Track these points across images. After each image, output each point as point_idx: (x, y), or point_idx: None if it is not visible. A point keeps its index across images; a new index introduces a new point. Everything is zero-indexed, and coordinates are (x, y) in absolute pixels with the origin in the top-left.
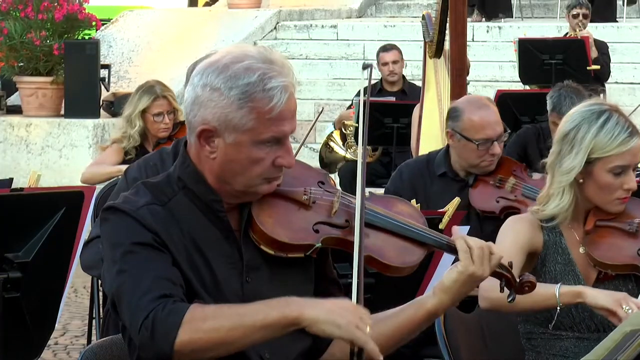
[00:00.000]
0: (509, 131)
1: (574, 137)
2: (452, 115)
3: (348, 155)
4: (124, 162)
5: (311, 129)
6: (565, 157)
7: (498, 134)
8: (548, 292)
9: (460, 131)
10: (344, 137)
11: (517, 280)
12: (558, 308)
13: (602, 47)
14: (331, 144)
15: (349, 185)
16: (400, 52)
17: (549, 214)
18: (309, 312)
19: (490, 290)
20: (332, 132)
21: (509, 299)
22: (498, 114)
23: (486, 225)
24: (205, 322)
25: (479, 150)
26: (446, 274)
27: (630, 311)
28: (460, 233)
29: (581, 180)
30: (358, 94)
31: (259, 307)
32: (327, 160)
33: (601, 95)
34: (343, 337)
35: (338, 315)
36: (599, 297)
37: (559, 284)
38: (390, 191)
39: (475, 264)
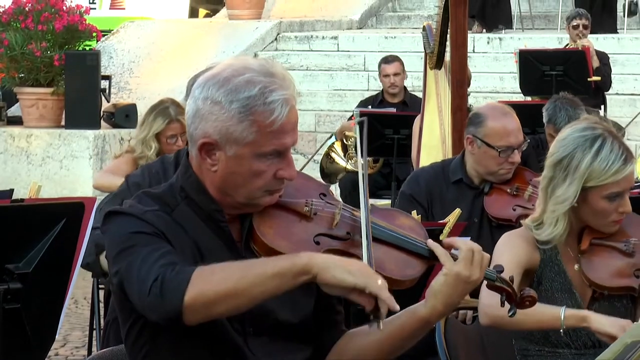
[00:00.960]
0: (528, 140)
1: (568, 166)
2: (475, 121)
3: (349, 166)
4: None
5: (317, 151)
6: (558, 186)
7: (519, 142)
8: (553, 314)
9: (482, 137)
10: (345, 148)
11: (518, 294)
12: (562, 331)
13: (602, 57)
14: (332, 154)
15: (349, 196)
16: (402, 64)
17: (542, 240)
18: (318, 259)
19: (492, 307)
20: (333, 143)
21: (510, 314)
22: (519, 123)
23: (497, 234)
24: (213, 274)
25: (500, 157)
26: (434, 278)
27: None
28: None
29: (575, 204)
30: (359, 105)
31: (267, 259)
32: (328, 171)
33: (601, 110)
34: (356, 284)
35: (348, 263)
36: (604, 323)
37: (563, 307)
38: (407, 194)
39: (461, 265)
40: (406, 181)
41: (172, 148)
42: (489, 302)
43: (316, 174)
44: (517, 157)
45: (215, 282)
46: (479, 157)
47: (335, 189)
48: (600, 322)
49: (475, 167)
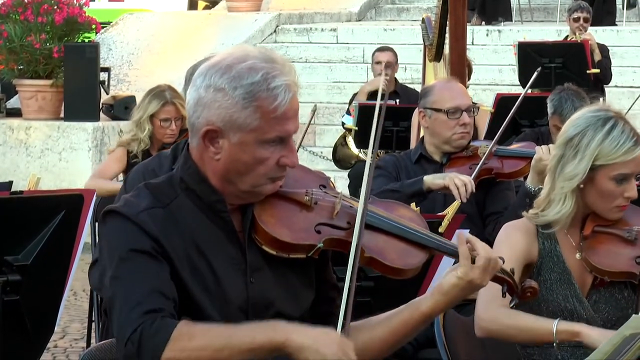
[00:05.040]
0: (478, 106)
1: (579, 143)
2: (422, 94)
3: (361, 155)
4: (128, 165)
5: (306, 130)
6: (568, 163)
7: (467, 105)
8: (545, 328)
9: (431, 105)
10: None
11: (519, 286)
12: (555, 344)
13: (603, 50)
14: (347, 139)
15: (359, 187)
16: (396, 55)
17: (550, 219)
18: (295, 338)
19: (486, 321)
20: (350, 130)
21: (511, 305)
22: (465, 89)
23: (475, 197)
24: (191, 341)
25: (449, 120)
26: (445, 277)
27: None
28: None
29: (582, 186)
30: (354, 97)
31: (247, 329)
32: (339, 155)
33: (601, 99)
34: None
35: (323, 344)
36: (596, 338)
37: (557, 320)
38: (381, 166)
39: (477, 272)
40: (380, 159)
41: (165, 132)
42: (485, 317)
43: (315, 167)
44: (467, 118)
45: (192, 349)
46: (432, 128)
47: (345, 180)
48: (592, 337)
49: (432, 141)
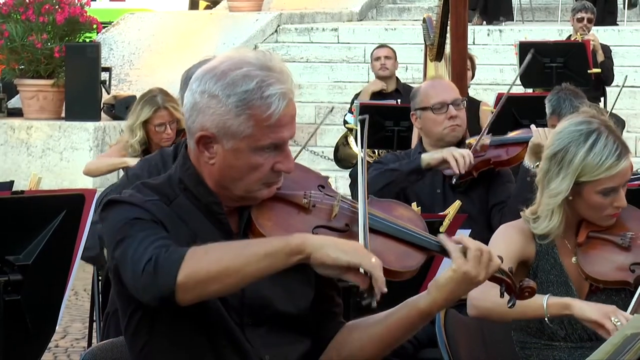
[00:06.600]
0: (465, 99)
1: (562, 159)
2: (411, 97)
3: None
4: None
5: (316, 130)
6: (553, 179)
7: (453, 98)
8: (536, 303)
9: (419, 105)
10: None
11: (517, 285)
12: (546, 319)
13: (605, 50)
14: (349, 138)
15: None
16: (394, 52)
17: (539, 233)
18: (313, 239)
19: (479, 300)
20: (352, 129)
21: (509, 305)
22: (453, 85)
23: (463, 200)
24: (207, 254)
25: (436, 115)
26: (442, 272)
27: (619, 324)
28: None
29: (570, 198)
30: (356, 96)
31: (262, 239)
32: (340, 154)
33: (601, 100)
34: (350, 262)
35: (343, 243)
36: (587, 309)
37: (547, 295)
38: (382, 162)
39: (470, 264)
40: (383, 156)
41: (161, 136)
42: (477, 295)
43: (316, 166)
44: (454, 111)
45: (208, 261)
46: (424, 128)
47: (346, 180)
48: (583, 308)
49: (428, 141)
